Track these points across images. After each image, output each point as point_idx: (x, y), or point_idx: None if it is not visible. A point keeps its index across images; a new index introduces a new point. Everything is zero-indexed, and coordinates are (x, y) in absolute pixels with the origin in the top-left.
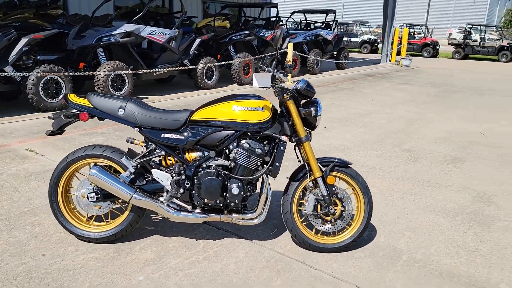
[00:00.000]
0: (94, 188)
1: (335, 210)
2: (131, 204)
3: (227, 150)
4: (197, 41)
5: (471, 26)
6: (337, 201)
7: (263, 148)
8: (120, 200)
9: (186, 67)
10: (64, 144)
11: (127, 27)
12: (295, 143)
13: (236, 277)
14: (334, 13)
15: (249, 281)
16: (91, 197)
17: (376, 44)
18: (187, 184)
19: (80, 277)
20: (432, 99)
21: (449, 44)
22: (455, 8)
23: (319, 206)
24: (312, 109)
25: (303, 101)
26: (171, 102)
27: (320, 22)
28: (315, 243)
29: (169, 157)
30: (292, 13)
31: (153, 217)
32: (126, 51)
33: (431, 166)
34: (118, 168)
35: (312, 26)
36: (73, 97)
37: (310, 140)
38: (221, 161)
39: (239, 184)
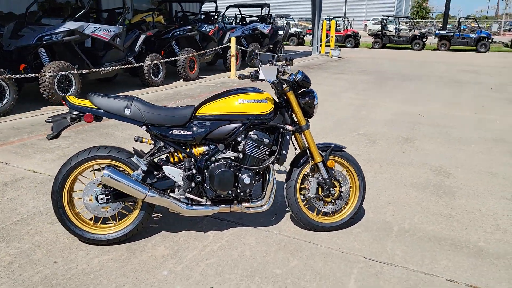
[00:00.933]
0: (103, 189)
1: (335, 191)
2: (140, 202)
3: (233, 142)
4: (142, 37)
5: (386, 17)
6: (335, 183)
7: (270, 138)
8: (129, 200)
9: (132, 65)
10: (25, 150)
11: (70, 25)
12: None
13: (256, 262)
14: (268, 7)
15: (268, 264)
16: (101, 199)
17: (302, 36)
18: (198, 178)
19: (104, 279)
20: (370, 86)
21: (368, 34)
22: (368, 0)
23: (320, 188)
24: (310, 98)
25: (299, 91)
26: None
27: (255, 16)
28: (318, 223)
29: (176, 153)
30: (227, 8)
31: (153, 215)
32: (70, 50)
33: (389, 147)
34: (125, 167)
35: (248, 21)
36: (73, 99)
37: (309, 128)
38: (229, 153)
39: (250, 174)
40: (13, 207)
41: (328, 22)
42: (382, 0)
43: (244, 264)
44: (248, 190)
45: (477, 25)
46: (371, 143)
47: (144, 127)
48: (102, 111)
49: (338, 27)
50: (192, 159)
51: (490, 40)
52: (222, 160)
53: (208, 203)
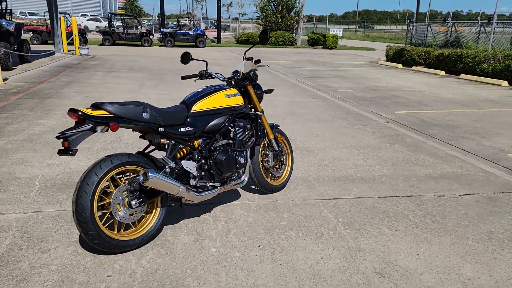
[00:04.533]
0: (130, 194)
1: (283, 158)
2: (159, 201)
3: (223, 131)
4: None
5: (111, 14)
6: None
7: (250, 123)
8: (149, 201)
9: None
10: None
11: None
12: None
13: (263, 222)
14: (6, 1)
15: (271, 221)
16: (134, 204)
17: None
18: (206, 166)
19: (188, 270)
20: (158, 82)
21: (97, 32)
22: None
23: (274, 158)
24: (260, 90)
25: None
26: None
27: None
28: (273, 186)
29: (182, 148)
30: None
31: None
32: None
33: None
34: (142, 170)
35: None
36: (87, 111)
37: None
38: (222, 141)
39: (242, 154)
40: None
41: (66, 19)
42: None
43: (255, 226)
44: (243, 168)
45: (193, 23)
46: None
47: (162, 129)
48: (123, 118)
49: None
50: (196, 151)
51: (205, 37)
52: (221, 148)
53: (211, 186)
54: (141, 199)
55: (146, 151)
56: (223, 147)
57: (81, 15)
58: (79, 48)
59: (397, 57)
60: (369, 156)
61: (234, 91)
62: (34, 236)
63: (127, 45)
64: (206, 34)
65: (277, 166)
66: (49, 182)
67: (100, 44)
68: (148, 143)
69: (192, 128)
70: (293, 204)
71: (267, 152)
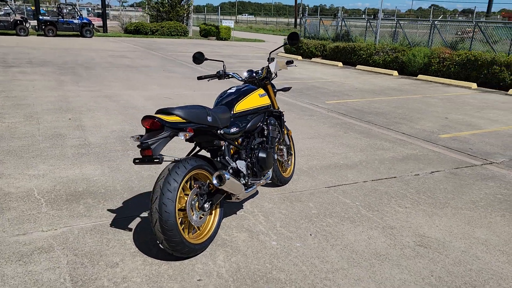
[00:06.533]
0: (200, 198)
1: (291, 152)
2: (219, 202)
3: (259, 130)
4: None
5: None
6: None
7: (275, 121)
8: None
9: None
10: None
11: None
12: None
13: (289, 212)
14: None
15: (305, 211)
16: (206, 207)
17: None
18: (250, 164)
19: (267, 264)
20: (77, 78)
21: None
22: None
23: (287, 152)
24: (275, 88)
25: None
26: None
27: None
28: (286, 178)
29: (231, 149)
30: None
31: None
32: None
33: None
34: (206, 173)
35: None
36: (163, 117)
37: None
38: (259, 139)
39: (275, 150)
40: None
41: None
42: None
43: (293, 217)
44: (275, 164)
45: (78, 12)
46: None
47: (221, 131)
48: (193, 122)
49: None
50: (243, 151)
51: (92, 26)
52: (259, 146)
53: (252, 183)
54: (211, 202)
55: (192, 154)
56: (260, 145)
57: None
58: None
59: (295, 49)
60: (336, 144)
61: (262, 91)
62: (88, 251)
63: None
64: (92, 23)
65: (287, 160)
66: (52, 194)
67: None
68: (197, 146)
69: (238, 129)
70: (310, 194)
71: (281, 146)
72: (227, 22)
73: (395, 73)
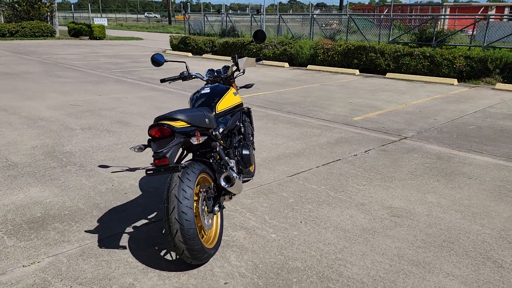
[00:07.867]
0: (208, 201)
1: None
2: (221, 204)
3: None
4: None
5: None
6: None
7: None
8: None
9: None
10: None
11: None
12: None
13: (275, 202)
14: None
15: (283, 201)
16: (216, 210)
17: None
18: (235, 160)
19: (280, 256)
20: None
21: None
22: None
23: None
24: (239, 86)
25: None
26: None
27: None
28: (252, 172)
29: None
30: None
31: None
32: None
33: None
34: (208, 177)
35: None
36: (172, 123)
37: None
38: (237, 137)
39: (253, 147)
40: None
41: None
42: None
43: (276, 208)
44: (254, 160)
45: None
46: (107, 132)
47: (216, 132)
48: (195, 126)
49: None
50: (231, 149)
51: None
52: (240, 143)
53: (244, 180)
54: (218, 204)
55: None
56: (239, 142)
57: None
58: None
59: (183, 46)
60: (273, 135)
61: (234, 89)
62: (92, 278)
63: None
64: None
65: None
66: (8, 225)
67: None
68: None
69: (223, 128)
70: (278, 184)
71: None
72: (100, 20)
73: (286, 64)
